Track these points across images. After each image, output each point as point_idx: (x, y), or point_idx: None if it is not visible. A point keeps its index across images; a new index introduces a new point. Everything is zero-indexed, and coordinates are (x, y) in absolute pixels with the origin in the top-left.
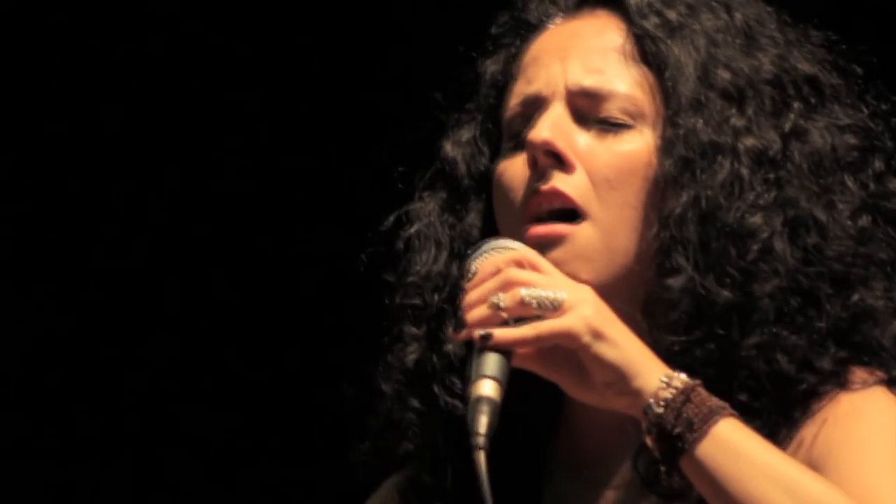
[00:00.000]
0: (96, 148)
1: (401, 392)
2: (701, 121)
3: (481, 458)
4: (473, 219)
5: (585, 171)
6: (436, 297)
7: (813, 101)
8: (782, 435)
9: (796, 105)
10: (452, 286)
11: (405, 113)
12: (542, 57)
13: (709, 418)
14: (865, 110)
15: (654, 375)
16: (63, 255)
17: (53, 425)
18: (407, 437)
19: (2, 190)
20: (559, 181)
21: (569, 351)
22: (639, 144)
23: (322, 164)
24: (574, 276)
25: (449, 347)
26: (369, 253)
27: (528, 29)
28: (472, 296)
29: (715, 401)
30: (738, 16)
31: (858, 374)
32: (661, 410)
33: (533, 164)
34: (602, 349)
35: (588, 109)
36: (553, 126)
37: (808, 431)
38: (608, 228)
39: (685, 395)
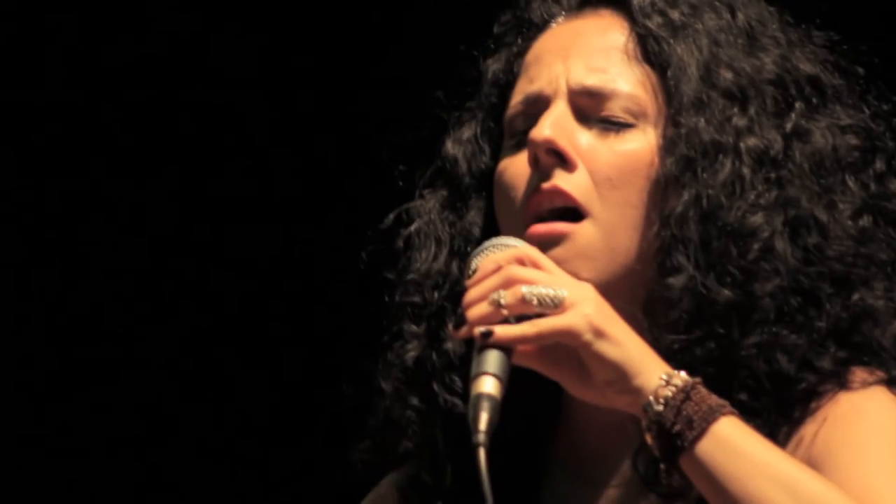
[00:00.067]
0: (96, 146)
1: (400, 390)
2: (703, 120)
3: (482, 455)
4: (474, 217)
5: (587, 170)
6: (436, 294)
7: (815, 101)
8: (782, 434)
9: (798, 105)
10: (452, 284)
11: (406, 111)
12: (545, 56)
13: (709, 416)
14: (867, 111)
15: (654, 373)
16: (63, 254)
17: (53, 425)
18: (406, 436)
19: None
20: (561, 179)
21: (570, 349)
22: (641, 144)
23: (323, 163)
24: (575, 275)
25: (449, 345)
26: (370, 251)
27: (531, 28)
28: (473, 293)
29: (715, 399)
30: (740, 16)
31: (858, 373)
32: (660, 408)
33: (534, 162)
34: (603, 347)
35: (590, 108)
36: (555, 124)
37: (807, 430)
38: (609, 227)
39: (685, 393)
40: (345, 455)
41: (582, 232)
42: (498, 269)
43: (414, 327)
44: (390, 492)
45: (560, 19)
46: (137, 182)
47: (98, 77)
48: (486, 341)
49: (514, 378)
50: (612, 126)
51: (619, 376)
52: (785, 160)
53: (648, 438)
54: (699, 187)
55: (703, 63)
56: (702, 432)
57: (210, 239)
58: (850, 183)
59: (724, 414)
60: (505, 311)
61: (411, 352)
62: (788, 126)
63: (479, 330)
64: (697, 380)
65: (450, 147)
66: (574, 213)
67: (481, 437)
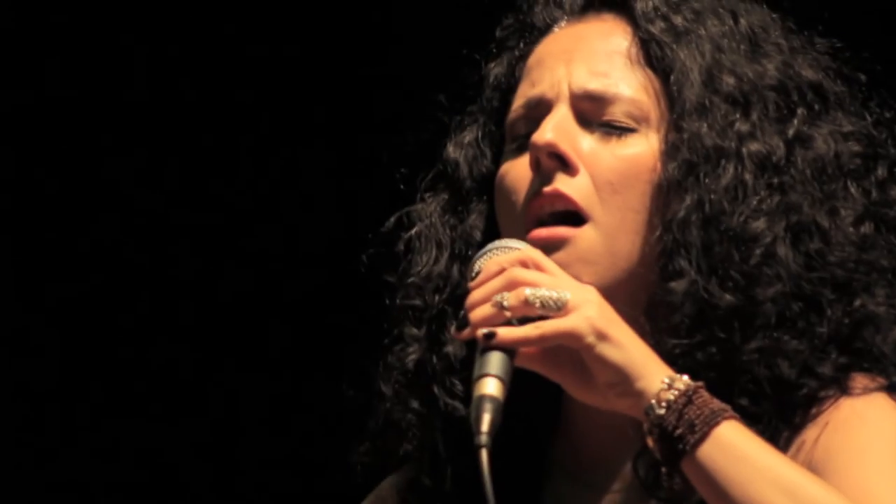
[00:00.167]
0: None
1: (401, 393)
2: (705, 125)
3: (484, 456)
4: (475, 220)
5: (589, 174)
6: (436, 298)
7: (817, 107)
8: (783, 439)
9: (800, 111)
10: (453, 288)
11: (408, 114)
12: (547, 59)
13: (710, 420)
14: (869, 118)
15: (656, 377)
16: (62, 252)
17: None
18: (406, 439)
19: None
20: (562, 183)
21: (572, 351)
22: (643, 148)
23: (324, 165)
24: (576, 279)
25: (449, 349)
26: (371, 254)
27: (533, 32)
28: (476, 295)
29: (717, 403)
30: (743, 22)
31: (859, 379)
32: (662, 412)
33: (536, 165)
34: (605, 350)
35: (592, 113)
36: (557, 128)
37: (808, 435)
38: (610, 232)
39: (687, 396)
40: (345, 457)
41: (583, 236)
42: (501, 271)
43: (415, 330)
44: (390, 494)
45: (562, 23)
46: (138, 180)
47: (99, 76)
48: (489, 343)
49: (515, 381)
50: (613, 130)
51: (622, 379)
52: (787, 166)
53: (650, 442)
54: (701, 192)
55: (706, 68)
56: (703, 436)
57: (210, 239)
58: (852, 189)
59: (725, 418)
60: (508, 313)
61: (412, 355)
62: (790, 132)
63: (481, 331)
64: (699, 384)
65: (451, 150)
66: (575, 216)
67: (483, 439)
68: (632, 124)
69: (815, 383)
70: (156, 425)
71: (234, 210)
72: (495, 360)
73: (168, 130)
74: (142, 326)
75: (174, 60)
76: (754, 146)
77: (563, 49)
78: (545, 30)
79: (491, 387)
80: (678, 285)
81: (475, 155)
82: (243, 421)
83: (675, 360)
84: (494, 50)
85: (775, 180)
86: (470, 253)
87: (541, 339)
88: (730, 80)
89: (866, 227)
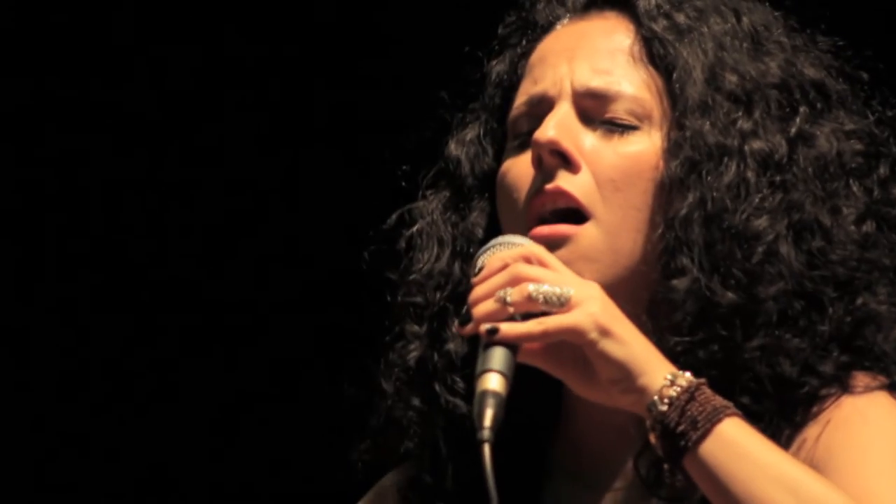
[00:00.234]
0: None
1: (402, 390)
2: (708, 123)
3: (487, 451)
4: (476, 218)
5: (590, 172)
6: (438, 295)
7: (819, 106)
8: (784, 437)
9: (803, 109)
10: (455, 285)
11: (410, 112)
12: (550, 57)
13: (713, 417)
14: (871, 116)
15: (659, 373)
16: (62, 251)
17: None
18: (407, 436)
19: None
20: (564, 181)
21: (575, 347)
22: (645, 146)
23: (326, 163)
24: None
25: (450, 346)
26: (372, 251)
27: (536, 29)
28: (479, 290)
29: (719, 400)
30: (745, 20)
31: (861, 378)
32: (665, 408)
33: (538, 163)
34: (608, 346)
35: (594, 110)
36: (559, 125)
37: (810, 433)
38: (612, 229)
39: (690, 393)
40: (345, 455)
41: (585, 234)
42: (504, 266)
43: (416, 328)
44: (391, 491)
45: (565, 21)
46: (139, 178)
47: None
48: (492, 338)
49: (515, 380)
50: (615, 128)
51: (624, 375)
52: (789, 164)
53: (652, 438)
54: (704, 190)
55: (709, 66)
56: (706, 433)
57: (210, 237)
58: (854, 188)
59: (728, 415)
60: (511, 309)
61: (413, 352)
62: (793, 130)
63: (484, 327)
64: (702, 380)
65: (453, 148)
66: (577, 214)
67: (486, 434)
68: (634, 122)
69: (816, 381)
70: (156, 425)
71: (234, 208)
72: (498, 356)
73: (168, 129)
74: (142, 325)
75: (174, 60)
76: (757, 144)
77: (565, 46)
78: (547, 27)
79: (494, 382)
80: (680, 283)
81: (477, 152)
82: (243, 419)
83: (676, 358)
84: (496, 47)
85: (777, 178)
86: (471, 250)
87: (544, 335)
88: (732, 78)
89: (868, 226)
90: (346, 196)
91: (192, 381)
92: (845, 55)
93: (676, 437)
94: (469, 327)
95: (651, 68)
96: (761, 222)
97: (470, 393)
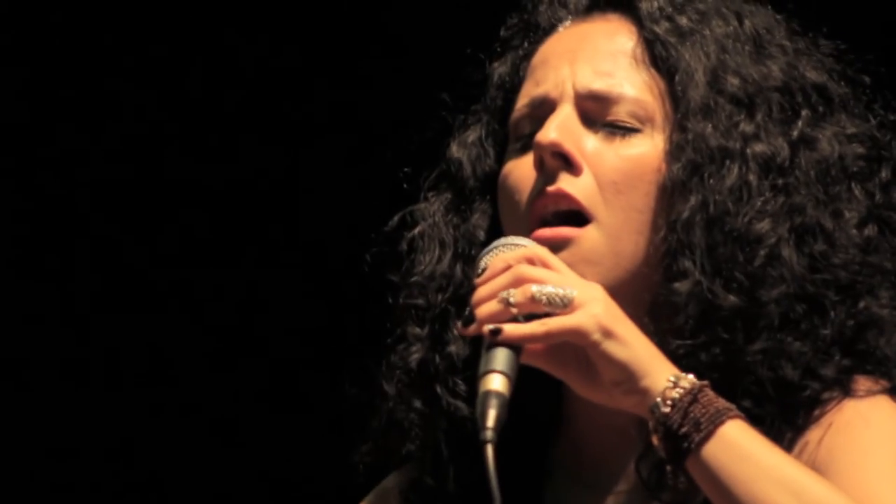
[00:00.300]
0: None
1: (403, 392)
2: (710, 126)
3: (490, 451)
4: (478, 220)
5: (592, 174)
6: (439, 297)
7: (821, 109)
8: (786, 440)
9: (804, 113)
10: (456, 287)
11: (412, 113)
12: (552, 59)
13: (715, 419)
14: (873, 120)
15: (662, 375)
16: (63, 251)
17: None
18: (409, 438)
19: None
20: (566, 183)
21: (577, 348)
22: (646, 148)
23: (328, 164)
24: None
25: (452, 348)
26: (374, 253)
27: (538, 31)
28: (482, 291)
29: (722, 402)
30: (748, 23)
31: (863, 382)
32: (667, 410)
33: (540, 165)
34: (611, 347)
35: (596, 112)
36: (561, 127)
37: (812, 436)
38: (614, 232)
39: (692, 395)
40: (347, 457)
41: (586, 236)
42: (508, 267)
43: (417, 330)
44: (393, 494)
45: (567, 23)
46: (139, 177)
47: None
48: (495, 339)
49: (516, 381)
50: (617, 130)
51: (627, 377)
52: (791, 167)
53: (654, 440)
54: (706, 192)
55: (711, 69)
56: (708, 434)
57: (211, 236)
58: (856, 192)
59: (730, 417)
60: (514, 310)
61: (415, 354)
62: (795, 133)
63: (488, 328)
64: (705, 382)
65: (454, 150)
66: (578, 216)
67: (489, 434)
68: (636, 124)
69: (817, 385)
70: (155, 426)
71: (235, 208)
72: (501, 357)
73: (170, 128)
74: (142, 323)
75: (177, 59)
76: (759, 147)
77: (567, 49)
78: (550, 29)
79: (497, 383)
80: (682, 286)
81: (479, 154)
82: (244, 420)
83: (678, 361)
84: (499, 49)
85: (779, 182)
86: (473, 252)
87: (547, 336)
88: (734, 81)
89: (870, 230)
90: (348, 197)
91: (192, 382)
92: (847, 59)
93: (679, 438)
94: (472, 328)
95: (653, 71)
96: (763, 225)
97: (471, 395)
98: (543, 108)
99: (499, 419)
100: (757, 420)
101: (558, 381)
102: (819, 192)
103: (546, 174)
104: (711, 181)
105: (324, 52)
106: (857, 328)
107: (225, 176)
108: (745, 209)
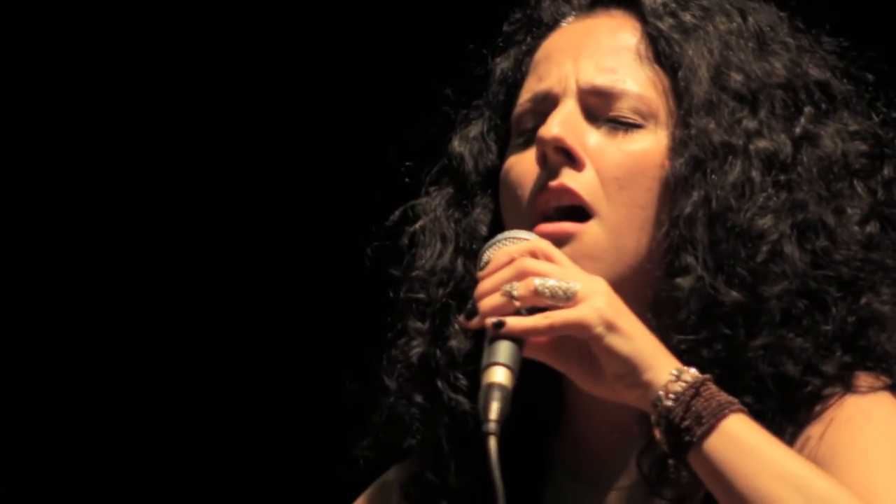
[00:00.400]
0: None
1: (404, 387)
2: (713, 122)
3: (493, 443)
4: (480, 214)
5: (595, 170)
6: (441, 291)
7: (824, 106)
8: (787, 435)
9: (807, 110)
10: (458, 281)
11: (414, 108)
12: (555, 54)
13: (718, 412)
14: (875, 117)
15: (664, 369)
16: (64, 252)
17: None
18: (410, 433)
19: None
20: (568, 178)
21: (580, 342)
22: (649, 144)
23: (329, 159)
24: None
25: (453, 343)
26: (375, 247)
27: (541, 27)
28: (485, 284)
29: (724, 396)
30: (751, 20)
31: (864, 378)
32: (670, 403)
33: (542, 160)
34: (614, 341)
35: (599, 108)
36: (564, 123)
37: (813, 431)
38: (616, 227)
39: (695, 388)
40: (348, 451)
41: (588, 232)
42: (511, 261)
43: (418, 324)
44: (394, 488)
45: (570, 18)
46: (140, 176)
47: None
48: (498, 332)
49: (517, 378)
50: (620, 126)
51: (630, 370)
52: (794, 164)
53: (657, 433)
54: (708, 188)
55: (714, 65)
56: (711, 428)
57: (212, 235)
58: (859, 188)
59: (733, 411)
60: (517, 303)
61: (416, 349)
62: (797, 130)
63: (490, 320)
64: (707, 376)
65: (457, 144)
66: (581, 212)
67: (492, 426)
68: (639, 120)
69: (818, 381)
70: (156, 423)
71: (236, 204)
72: (504, 350)
73: (171, 127)
74: (141, 324)
75: (177, 59)
76: (762, 143)
77: (570, 44)
78: (553, 25)
79: (500, 375)
80: (684, 281)
81: (480, 149)
82: (245, 415)
83: (680, 357)
84: (501, 44)
85: (782, 178)
86: (474, 247)
87: (550, 329)
88: (738, 78)
89: (872, 227)
90: (350, 192)
91: (192, 380)
92: (850, 56)
93: (681, 432)
94: (475, 321)
95: (656, 67)
96: (766, 221)
97: (472, 390)
98: (546, 104)
99: (502, 411)
100: (758, 416)
101: (559, 376)
102: (821, 188)
103: (548, 169)
104: (714, 177)
105: (326, 46)
106: (859, 324)
107: (225, 173)
108: (747, 205)
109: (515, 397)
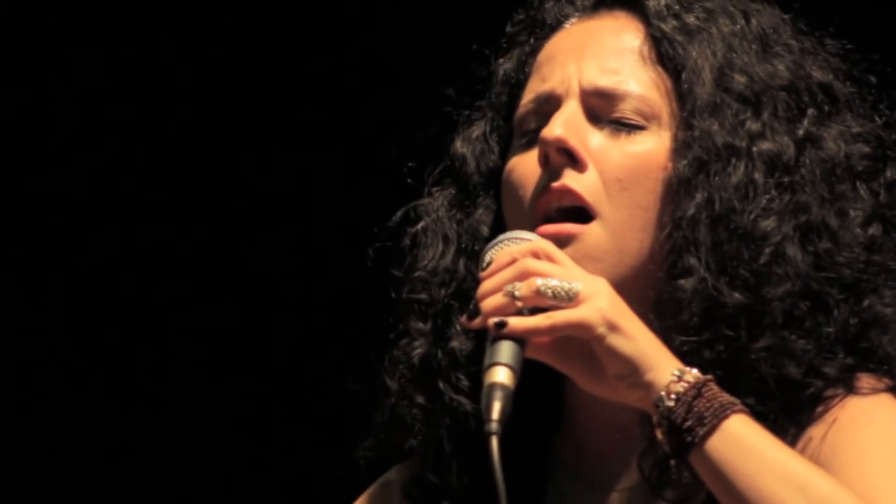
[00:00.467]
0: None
1: (406, 388)
2: (716, 123)
3: (494, 443)
4: (482, 215)
5: (597, 171)
6: (442, 292)
7: (827, 108)
8: (789, 436)
9: (810, 112)
10: (459, 282)
11: (416, 109)
12: (558, 55)
13: (720, 413)
14: (878, 120)
15: (666, 369)
16: (63, 248)
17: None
18: (411, 433)
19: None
20: (570, 179)
21: (582, 342)
22: (652, 145)
23: (331, 160)
24: None
25: (455, 343)
26: (377, 247)
27: (544, 28)
28: (487, 284)
29: (726, 396)
30: (754, 22)
31: (866, 380)
32: (672, 404)
33: (544, 161)
34: (616, 341)
35: (602, 109)
36: (566, 124)
37: (815, 432)
38: (618, 229)
39: (697, 389)
40: (349, 452)
41: (590, 233)
42: (513, 261)
43: (420, 325)
44: (395, 487)
45: (574, 20)
46: (141, 177)
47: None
48: (500, 332)
49: (519, 379)
50: (623, 127)
51: (632, 370)
52: (797, 166)
53: (658, 434)
54: (711, 190)
55: (717, 67)
56: (712, 429)
57: (212, 235)
58: (861, 191)
59: (735, 411)
60: (519, 303)
61: (417, 349)
62: (800, 132)
63: (493, 321)
64: (709, 377)
65: (459, 145)
66: (583, 213)
67: (494, 426)
68: (641, 122)
69: (821, 383)
70: (157, 421)
71: (238, 206)
72: (506, 350)
73: (173, 127)
74: (141, 323)
75: (179, 58)
76: (765, 145)
77: (574, 45)
78: (556, 26)
79: (502, 375)
80: (687, 283)
81: (483, 150)
82: (247, 415)
83: (682, 358)
84: (504, 45)
85: (785, 180)
86: (476, 247)
87: (552, 330)
88: (741, 79)
89: (874, 229)
90: (352, 192)
91: (193, 379)
92: (853, 58)
93: (683, 432)
94: (477, 321)
95: (660, 68)
96: (768, 223)
97: (474, 391)
98: (549, 105)
99: (504, 411)
100: (760, 417)
101: (560, 377)
102: (824, 190)
103: (551, 170)
104: (717, 178)
105: (328, 46)
106: (861, 326)
107: (226, 173)
108: (750, 207)
109: (517, 397)
